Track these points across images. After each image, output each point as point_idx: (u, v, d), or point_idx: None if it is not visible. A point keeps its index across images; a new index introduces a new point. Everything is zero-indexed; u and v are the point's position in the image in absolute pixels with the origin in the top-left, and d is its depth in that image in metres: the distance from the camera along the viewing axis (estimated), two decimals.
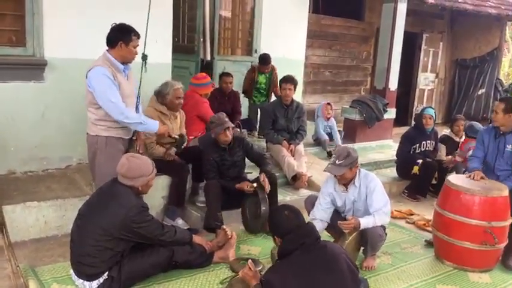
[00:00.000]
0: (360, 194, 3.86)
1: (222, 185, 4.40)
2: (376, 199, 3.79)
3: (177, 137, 4.20)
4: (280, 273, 2.69)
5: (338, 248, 2.92)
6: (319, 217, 3.93)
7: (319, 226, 3.83)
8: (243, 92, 7.03)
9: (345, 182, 3.86)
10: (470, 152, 5.92)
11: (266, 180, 4.41)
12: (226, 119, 4.49)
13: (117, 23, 3.63)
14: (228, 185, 4.44)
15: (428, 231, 4.72)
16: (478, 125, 6.58)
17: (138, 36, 3.67)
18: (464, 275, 3.93)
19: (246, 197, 4.46)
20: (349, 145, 6.10)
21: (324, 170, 3.87)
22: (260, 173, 4.58)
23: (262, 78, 6.91)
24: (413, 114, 10.58)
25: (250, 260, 3.08)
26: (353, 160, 3.77)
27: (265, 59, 6.74)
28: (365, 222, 3.71)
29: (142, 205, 3.25)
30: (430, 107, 6.54)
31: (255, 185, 4.40)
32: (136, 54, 3.72)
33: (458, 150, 6.34)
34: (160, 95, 4.54)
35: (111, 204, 3.16)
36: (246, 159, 4.78)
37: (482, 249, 3.90)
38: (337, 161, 3.77)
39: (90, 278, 3.15)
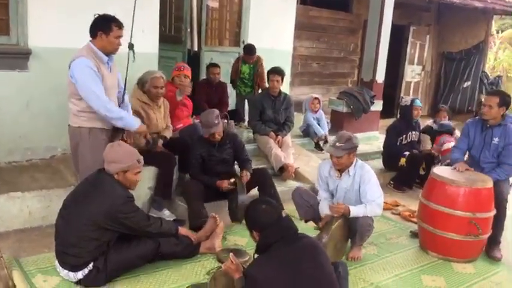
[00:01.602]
0: (353, 183, 3.87)
1: (204, 183, 4.39)
2: (370, 190, 3.80)
3: (150, 140, 4.25)
4: (262, 266, 2.67)
5: (314, 239, 2.99)
6: (325, 197, 4.02)
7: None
8: (230, 82, 7.00)
9: (341, 167, 3.87)
10: (446, 145, 6.03)
11: (245, 177, 4.47)
12: (216, 121, 4.39)
13: (100, 13, 3.56)
14: (209, 182, 4.42)
15: (413, 222, 4.77)
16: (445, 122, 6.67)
17: (120, 26, 3.58)
18: (448, 266, 3.98)
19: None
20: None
21: (325, 151, 3.90)
22: (241, 170, 4.61)
23: (245, 68, 6.86)
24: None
25: (231, 253, 3.05)
26: (353, 145, 3.80)
27: (249, 49, 6.69)
28: (355, 210, 3.73)
29: (128, 195, 3.23)
30: (417, 99, 6.59)
31: (231, 180, 4.42)
32: (120, 45, 3.65)
33: (434, 146, 6.39)
34: (140, 82, 4.55)
35: (96, 194, 3.14)
36: None
37: (466, 240, 3.95)
38: (337, 143, 3.78)
39: (75, 268, 3.13)
